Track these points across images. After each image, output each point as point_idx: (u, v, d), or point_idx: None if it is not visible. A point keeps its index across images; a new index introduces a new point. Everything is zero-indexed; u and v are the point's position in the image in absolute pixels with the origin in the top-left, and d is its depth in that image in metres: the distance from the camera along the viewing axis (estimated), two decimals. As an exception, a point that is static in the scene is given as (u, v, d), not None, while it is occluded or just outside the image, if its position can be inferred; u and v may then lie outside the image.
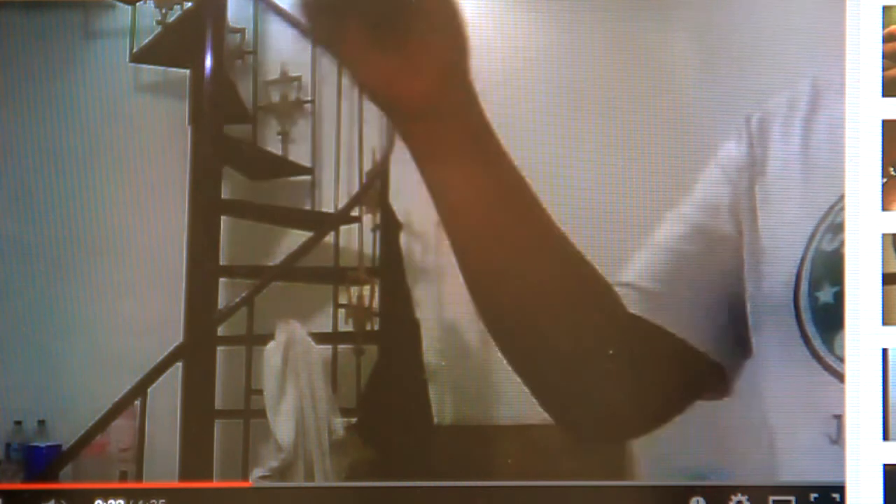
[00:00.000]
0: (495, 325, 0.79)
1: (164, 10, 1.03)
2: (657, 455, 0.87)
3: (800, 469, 0.79)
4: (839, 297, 0.78)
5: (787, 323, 0.78)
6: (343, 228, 1.04)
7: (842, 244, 0.79)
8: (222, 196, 1.04)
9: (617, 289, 0.81)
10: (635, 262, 0.83)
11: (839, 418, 0.78)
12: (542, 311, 0.79)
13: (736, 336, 0.80)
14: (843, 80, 0.81)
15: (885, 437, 0.78)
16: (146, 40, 1.03)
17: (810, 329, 0.78)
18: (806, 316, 0.78)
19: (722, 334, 0.81)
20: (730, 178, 0.83)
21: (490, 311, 0.79)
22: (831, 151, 0.81)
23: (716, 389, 0.82)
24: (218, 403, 1.00)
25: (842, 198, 0.80)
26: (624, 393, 0.81)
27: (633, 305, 0.80)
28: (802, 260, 0.79)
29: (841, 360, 0.77)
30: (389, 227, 1.01)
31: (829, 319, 0.78)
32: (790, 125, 0.82)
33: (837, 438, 0.78)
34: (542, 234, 0.79)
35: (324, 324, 1.01)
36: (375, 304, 1.01)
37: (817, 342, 0.78)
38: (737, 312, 0.80)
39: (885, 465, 0.78)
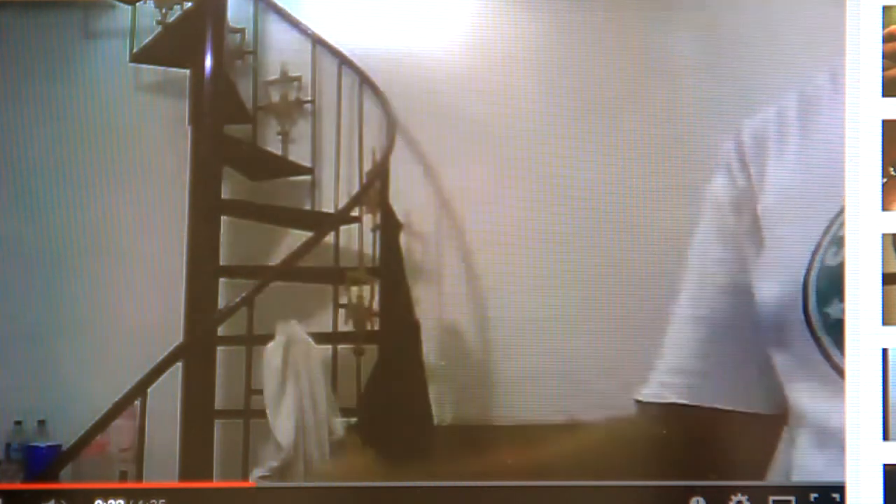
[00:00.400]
0: None
1: (164, 10, 1.03)
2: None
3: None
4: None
5: (805, 342, 0.79)
6: (343, 228, 1.04)
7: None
8: (222, 196, 1.04)
9: (661, 378, 0.82)
10: (664, 348, 0.84)
11: None
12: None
13: (770, 382, 0.81)
14: (840, 89, 0.81)
15: (885, 437, 0.78)
16: (146, 40, 1.03)
17: (828, 344, 0.78)
18: (821, 333, 0.78)
19: (759, 384, 0.82)
20: (729, 221, 0.84)
21: None
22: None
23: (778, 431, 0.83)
24: (218, 403, 1.00)
25: (841, 212, 0.80)
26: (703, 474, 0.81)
27: (675, 396, 0.81)
28: (807, 278, 0.79)
29: None
30: (389, 227, 1.01)
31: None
32: (785, 141, 0.82)
33: None
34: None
35: (324, 324, 1.01)
36: (375, 304, 1.01)
37: (839, 359, 0.78)
38: (762, 355, 0.81)
39: (885, 465, 0.78)
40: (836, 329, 0.78)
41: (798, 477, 0.80)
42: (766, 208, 0.82)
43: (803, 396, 0.79)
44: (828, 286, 0.78)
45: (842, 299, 0.78)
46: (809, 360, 0.78)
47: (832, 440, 0.78)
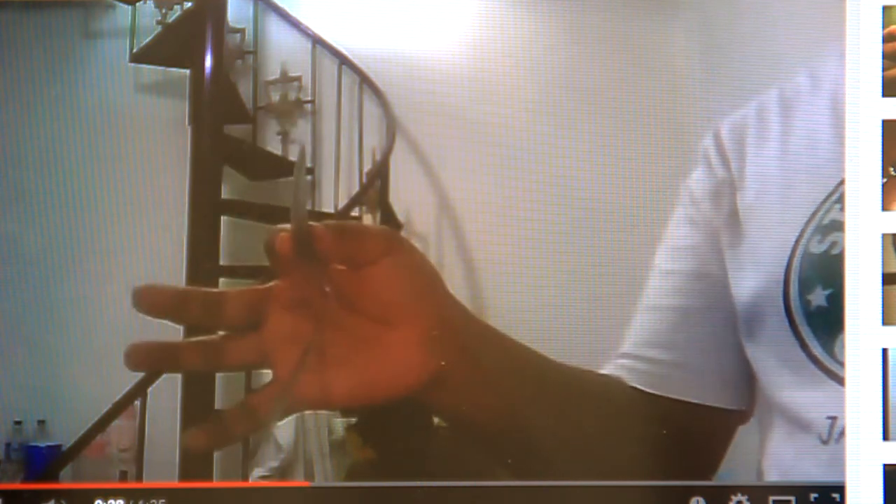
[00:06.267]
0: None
1: (164, 10, 1.03)
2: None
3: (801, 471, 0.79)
4: (832, 300, 0.78)
5: (782, 331, 0.78)
6: (343, 228, 1.04)
7: (831, 246, 0.79)
8: (222, 196, 1.04)
9: (619, 362, 0.81)
10: (631, 331, 0.83)
11: (833, 419, 0.78)
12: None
13: (743, 374, 0.81)
14: (819, 79, 0.81)
15: (885, 437, 0.78)
16: (146, 40, 1.03)
17: (806, 334, 0.78)
18: (800, 322, 0.78)
19: (729, 378, 0.81)
20: (705, 213, 0.83)
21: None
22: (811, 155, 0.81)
23: (740, 425, 0.83)
24: (218, 403, 1.00)
25: (826, 200, 0.79)
26: (652, 470, 0.81)
27: (636, 380, 0.81)
28: (789, 266, 0.78)
29: (839, 363, 0.77)
30: (389, 227, 1.01)
31: (825, 323, 0.78)
32: (766, 131, 0.82)
33: (828, 439, 0.78)
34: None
35: (324, 324, 1.01)
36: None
37: (816, 348, 0.77)
38: (734, 344, 0.80)
39: (885, 465, 0.78)
40: (816, 318, 0.78)
41: (770, 471, 0.80)
42: (746, 197, 0.82)
43: (774, 387, 0.79)
44: (811, 273, 0.78)
45: (825, 287, 0.78)
46: (785, 349, 0.78)
47: (803, 431, 0.78)
